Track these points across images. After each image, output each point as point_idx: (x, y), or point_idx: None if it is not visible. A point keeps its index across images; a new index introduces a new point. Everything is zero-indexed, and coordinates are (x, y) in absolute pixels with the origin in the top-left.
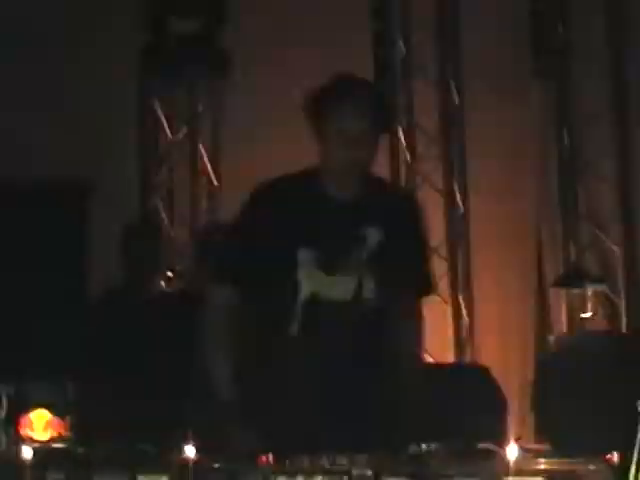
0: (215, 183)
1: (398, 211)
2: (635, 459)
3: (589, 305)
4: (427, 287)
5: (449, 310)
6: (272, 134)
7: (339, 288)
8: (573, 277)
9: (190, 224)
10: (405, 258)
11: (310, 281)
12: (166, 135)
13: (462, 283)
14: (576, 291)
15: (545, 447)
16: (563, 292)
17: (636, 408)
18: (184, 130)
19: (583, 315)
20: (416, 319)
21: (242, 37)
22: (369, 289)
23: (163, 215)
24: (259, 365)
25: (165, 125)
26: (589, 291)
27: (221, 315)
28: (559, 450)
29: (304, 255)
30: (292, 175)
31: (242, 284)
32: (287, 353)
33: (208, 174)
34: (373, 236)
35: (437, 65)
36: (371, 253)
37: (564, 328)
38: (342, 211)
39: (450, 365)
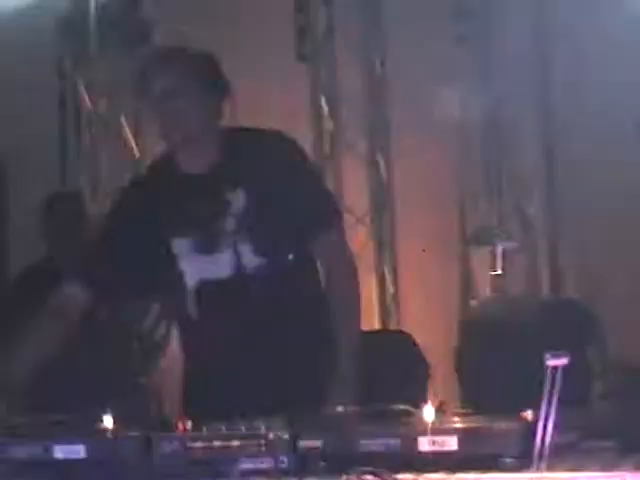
0: (137, 155)
1: (263, 159)
2: (543, 413)
3: (500, 263)
4: (327, 217)
5: (374, 278)
6: None
7: (220, 266)
8: (484, 235)
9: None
10: (286, 204)
11: (192, 268)
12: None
13: (388, 251)
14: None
15: (467, 412)
16: (484, 254)
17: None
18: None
19: (492, 272)
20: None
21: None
22: (248, 257)
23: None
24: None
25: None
26: (499, 249)
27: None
28: (479, 411)
29: (178, 245)
30: (151, 163)
31: (99, 287)
32: (192, 333)
33: (130, 145)
34: (237, 200)
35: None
36: (241, 218)
37: (486, 288)
38: (201, 185)
39: (374, 332)
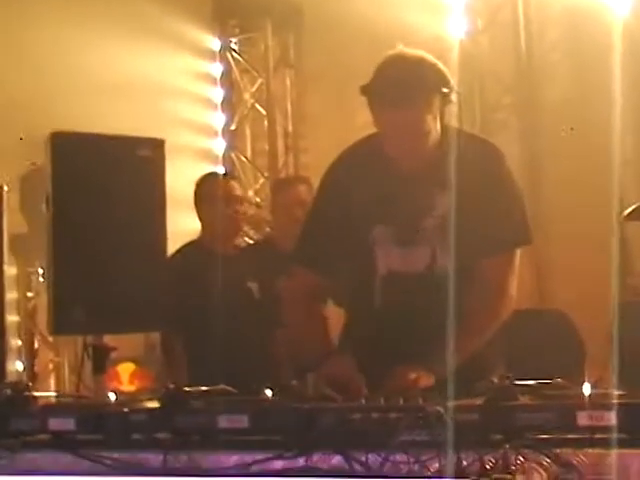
0: None
1: (473, 165)
2: None
3: None
4: (519, 237)
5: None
6: None
7: (412, 260)
8: None
9: None
10: (488, 214)
11: (385, 257)
12: None
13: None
14: None
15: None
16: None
17: None
18: None
19: None
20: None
21: None
22: (443, 258)
23: None
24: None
25: None
26: None
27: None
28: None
29: (378, 232)
30: (357, 146)
31: (320, 266)
32: (373, 326)
33: None
34: (443, 202)
35: None
36: (443, 221)
37: None
38: (411, 180)
39: (529, 311)
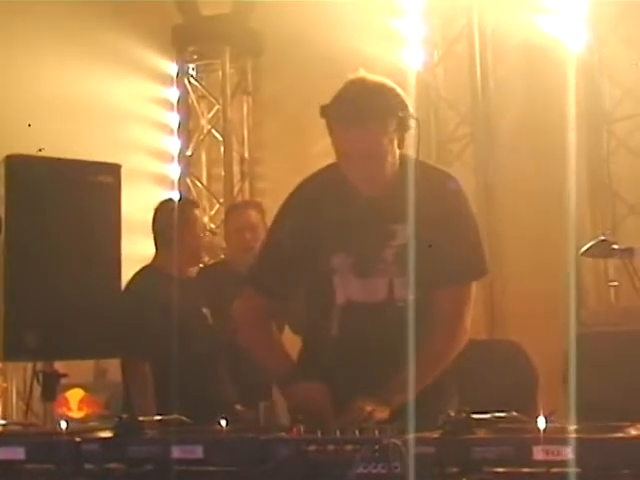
0: None
1: (432, 196)
2: None
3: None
4: (475, 270)
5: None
6: None
7: (371, 290)
8: (603, 247)
9: None
10: (445, 246)
11: (344, 286)
12: None
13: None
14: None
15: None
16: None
17: None
18: None
19: (611, 284)
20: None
21: None
22: (400, 289)
23: None
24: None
25: None
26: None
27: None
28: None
29: (338, 260)
30: (317, 175)
31: (272, 291)
32: (329, 356)
33: None
34: (402, 232)
35: None
36: (401, 250)
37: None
38: (370, 209)
39: (483, 341)
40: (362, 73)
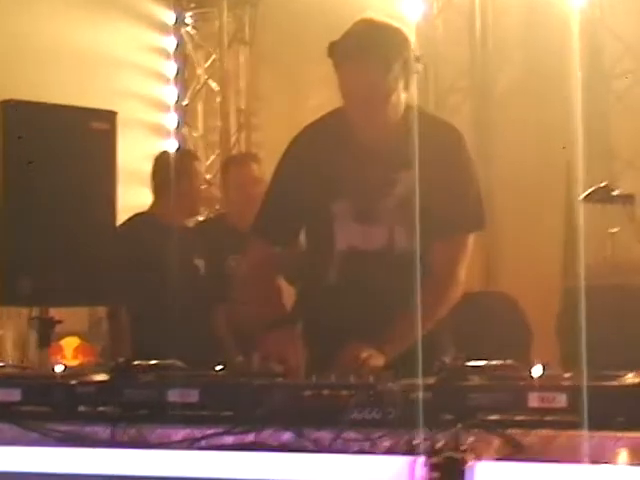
0: None
1: (434, 147)
2: None
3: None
4: (472, 222)
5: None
6: None
7: (371, 238)
8: (603, 193)
9: None
10: (444, 197)
11: (345, 233)
12: None
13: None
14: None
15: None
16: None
17: None
18: None
19: (611, 230)
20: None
21: None
22: (400, 238)
23: None
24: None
25: None
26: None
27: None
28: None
29: (339, 207)
30: (321, 121)
31: (277, 237)
32: (327, 301)
33: None
34: (403, 181)
35: None
36: (402, 199)
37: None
38: (372, 156)
39: (477, 293)
40: (370, 14)
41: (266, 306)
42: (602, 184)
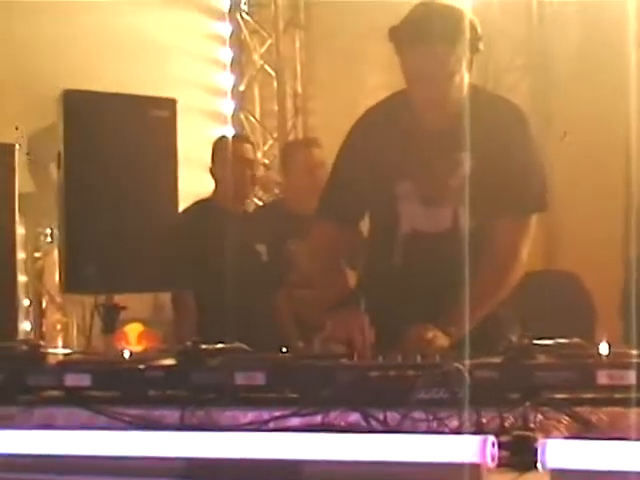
0: None
1: (498, 127)
2: None
3: None
4: (536, 202)
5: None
6: None
7: (436, 219)
8: None
9: None
10: (505, 178)
11: (409, 214)
12: None
13: None
14: None
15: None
16: None
17: None
18: None
19: None
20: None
21: None
22: (465, 219)
23: None
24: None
25: None
26: None
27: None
28: None
29: (403, 188)
30: (383, 104)
31: (343, 219)
32: (391, 283)
33: None
34: (467, 161)
35: None
36: (466, 180)
37: None
38: (436, 137)
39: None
40: None
41: (331, 288)
42: None
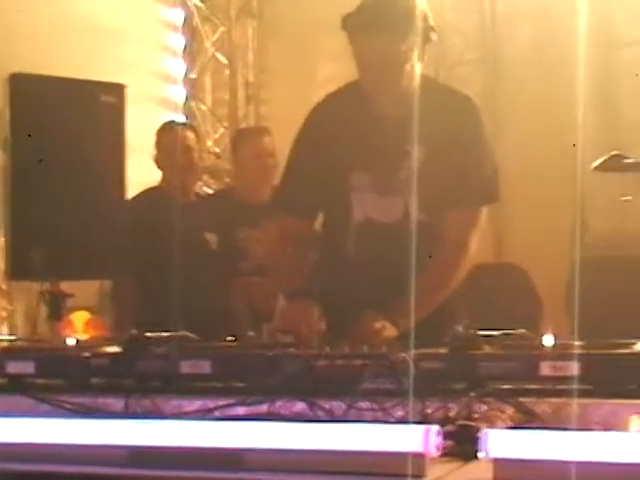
0: None
1: (449, 118)
2: None
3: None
4: (486, 195)
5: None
6: None
7: (388, 209)
8: (615, 161)
9: None
10: (456, 169)
11: (363, 204)
12: None
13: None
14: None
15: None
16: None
17: None
18: None
19: (624, 198)
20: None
21: None
22: (417, 208)
23: None
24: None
25: None
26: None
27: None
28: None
29: (357, 178)
30: (337, 93)
31: (301, 214)
32: (344, 273)
33: None
34: (417, 152)
35: None
36: (418, 170)
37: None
38: (387, 126)
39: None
40: None
41: (285, 278)
42: (614, 152)
